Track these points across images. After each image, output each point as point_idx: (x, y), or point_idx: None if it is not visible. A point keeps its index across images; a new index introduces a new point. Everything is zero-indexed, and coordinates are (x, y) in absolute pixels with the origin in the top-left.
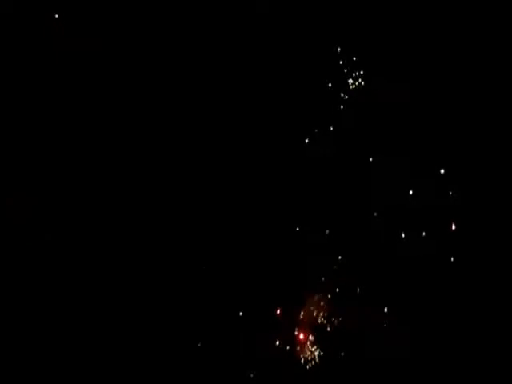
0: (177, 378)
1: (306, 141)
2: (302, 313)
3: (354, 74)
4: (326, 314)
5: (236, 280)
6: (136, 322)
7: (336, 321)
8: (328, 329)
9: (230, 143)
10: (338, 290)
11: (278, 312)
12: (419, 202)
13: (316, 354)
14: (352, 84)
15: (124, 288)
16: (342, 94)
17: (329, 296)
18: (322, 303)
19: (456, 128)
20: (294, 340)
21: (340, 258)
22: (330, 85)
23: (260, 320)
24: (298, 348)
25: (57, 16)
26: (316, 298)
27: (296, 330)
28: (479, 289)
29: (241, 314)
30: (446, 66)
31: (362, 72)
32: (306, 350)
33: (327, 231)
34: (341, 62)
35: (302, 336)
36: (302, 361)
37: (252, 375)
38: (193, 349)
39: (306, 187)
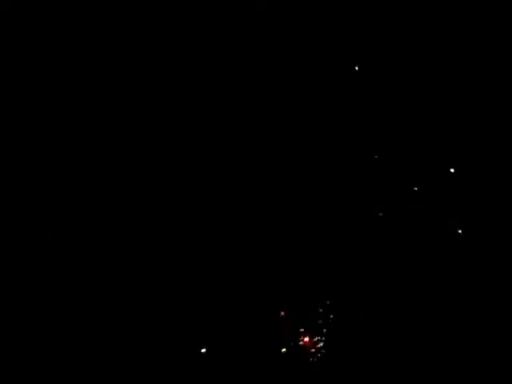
0: (178, 379)
1: (308, 142)
2: (302, 315)
3: (354, 75)
4: (327, 316)
5: (236, 281)
6: (137, 323)
7: (338, 322)
8: (330, 330)
9: (231, 145)
10: (339, 291)
11: (279, 313)
12: (422, 203)
13: (317, 355)
14: (352, 85)
15: (124, 288)
16: (342, 95)
17: (330, 297)
18: (323, 305)
19: (459, 130)
20: (295, 341)
21: (343, 259)
22: (330, 86)
23: (260, 320)
24: (299, 350)
25: (57, 16)
26: (317, 300)
27: (296, 331)
28: (481, 290)
29: (241, 314)
30: (449, 68)
31: (363, 73)
32: (307, 351)
33: (330, 232)
34: (342, 63)
35: (302, 337)
36: (302, 363)
37: (252, 376)
38: (193, 350)
39: (308, 190)
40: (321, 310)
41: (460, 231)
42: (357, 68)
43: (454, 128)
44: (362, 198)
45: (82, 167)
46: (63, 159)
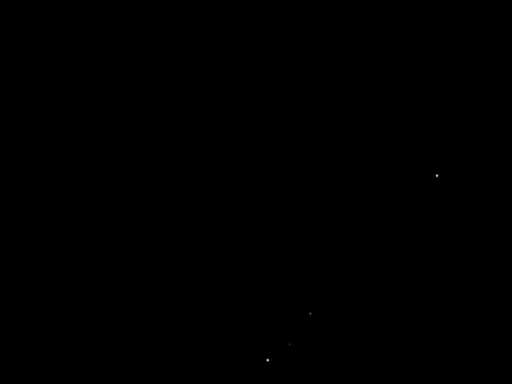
0: (177, 378)
1: (308, 142)
2: (299, 314)
3: (354, 75)
4: (325, 320)
5: (234, 281)
6: (137, 324)
7: (337, 327)
8: (327, 335)
9: (230, 145)
10: (338, 295)
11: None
12: (423, 203)
13: (316, 354)
14: (352, 85)
15: (125, 288)
16: (342, 95)
17: (328, 301)
18: (321, 309)
19: (459, 131)
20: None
21: (342, 261)
22: (330, 86)
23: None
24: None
25: (57, 16)
26: (314, 297)
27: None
28: (480, 290)
29: (238, 313)
30: (448, 69)
31: (362, 73)
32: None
33: (329, 233)
34: (342, 63)
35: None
36: (300, 362)
37: (249, 376)
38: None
39: (308, 190)
40: (318, 314)
41: (460, 232)
42: (357, 68)
43: (455, 129)
44: (362, 199)
45: (82, 167)
46: (63, 159)
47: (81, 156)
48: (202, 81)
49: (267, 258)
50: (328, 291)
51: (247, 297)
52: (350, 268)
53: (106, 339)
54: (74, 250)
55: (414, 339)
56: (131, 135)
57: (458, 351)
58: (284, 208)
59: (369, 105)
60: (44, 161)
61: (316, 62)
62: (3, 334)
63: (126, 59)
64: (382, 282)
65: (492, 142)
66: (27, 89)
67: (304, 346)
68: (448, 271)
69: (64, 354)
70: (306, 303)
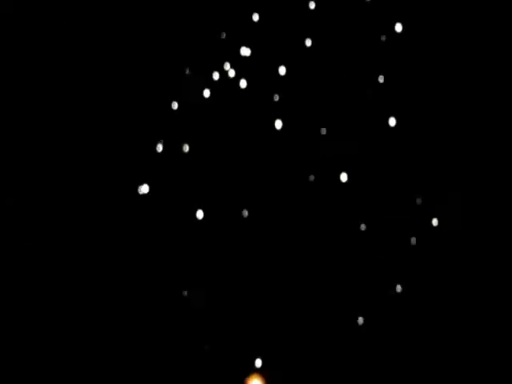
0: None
1: (308, 142)
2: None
3: (354, 75)
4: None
5: (234, 280)
6: (137, 325)
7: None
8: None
9: (229, 145)
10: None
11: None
12: (424, 204)
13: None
14: (352, 85)
15: (124, 288)
16: (342, 96)
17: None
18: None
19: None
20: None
21: (341, 262)
22: (330, 86)
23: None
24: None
25: (57, 16)
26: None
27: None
28: (480, 290)
29: (236, 312)
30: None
31: (362, 73)
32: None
33: (328, 234)
34: (342, 63)
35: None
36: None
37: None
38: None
39: (308, 190)
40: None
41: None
42: (356, 68)
43: (455, 129)
44: (362, 199)
45: (82, 167)
46: (63, 159)
47: (81, 156)
48: (201, 80)
49: (266, 257)
50: (328, 291)
51: (247, 298)
52: (350, 268)
53: (105, 339)
54: (73, 250)
55: (413, 339)
56: (131, 135)
57: (457, 351)
58: (283, 208)
59: (369, 105)
60: (44, 161)
61: (316, 61)
62: (3, 334)
63: (125, 59)
64: (382, 281)
65: (492, 143)
66: (27, 89)
67: (304, 346)
68: (448, 271)
69: (64, 353)
70: (306, 303)
